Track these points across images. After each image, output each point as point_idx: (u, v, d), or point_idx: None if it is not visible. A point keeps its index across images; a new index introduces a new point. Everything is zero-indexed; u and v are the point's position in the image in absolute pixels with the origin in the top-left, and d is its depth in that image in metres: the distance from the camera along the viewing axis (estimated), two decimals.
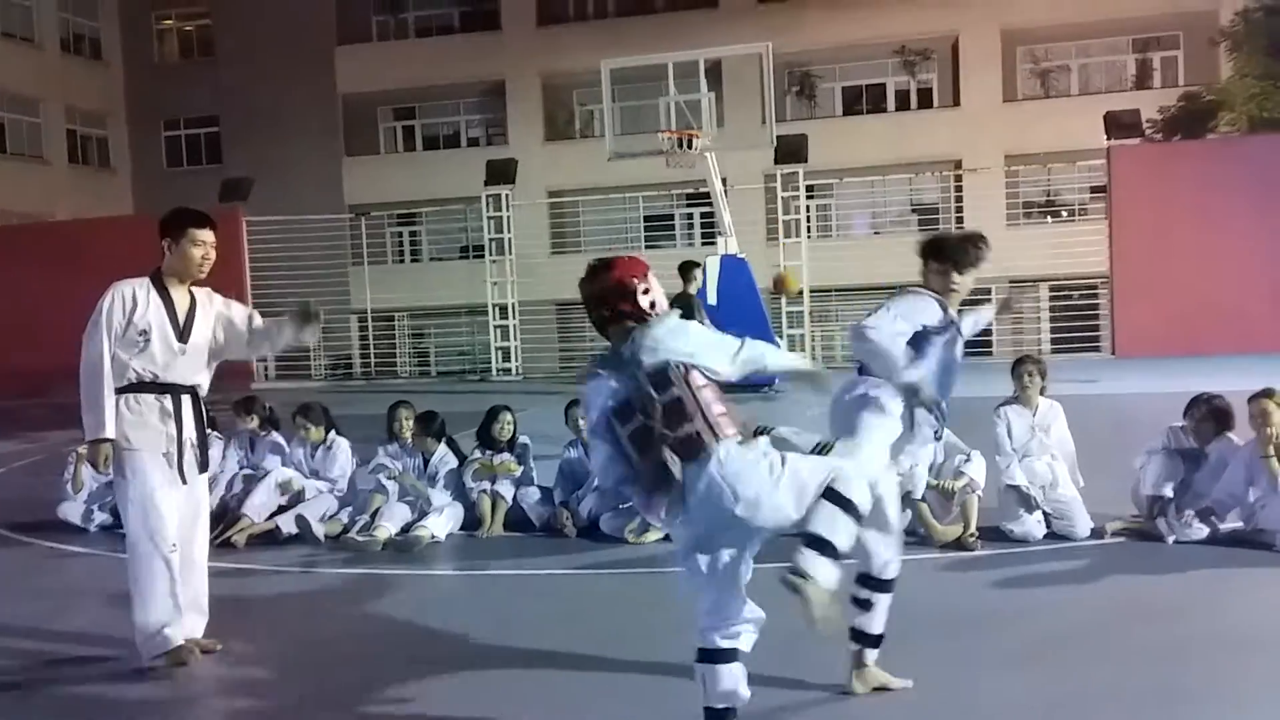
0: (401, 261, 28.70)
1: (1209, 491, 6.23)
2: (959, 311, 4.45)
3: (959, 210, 25.74)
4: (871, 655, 3.91)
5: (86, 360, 4.55)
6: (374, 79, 28.66)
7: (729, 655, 3.36)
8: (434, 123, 30.50)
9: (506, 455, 7.39)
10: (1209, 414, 6.41)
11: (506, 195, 19.53)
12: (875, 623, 3.91)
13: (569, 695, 4.22)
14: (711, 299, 15.11)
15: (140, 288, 4.63)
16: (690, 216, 25.96)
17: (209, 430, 7.75)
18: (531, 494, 7.27)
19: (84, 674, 4.68)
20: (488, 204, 19.69)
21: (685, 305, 10.50)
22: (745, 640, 3.38)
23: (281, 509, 7.23)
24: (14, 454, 11.80)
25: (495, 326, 20.01)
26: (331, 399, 9.74)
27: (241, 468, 7.64)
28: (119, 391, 4.55)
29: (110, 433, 4.50)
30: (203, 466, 4.75)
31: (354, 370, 23.45)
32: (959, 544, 6.22)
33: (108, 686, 4.52)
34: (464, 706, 4.11)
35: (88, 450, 4.69)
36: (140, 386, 4.58)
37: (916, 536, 6.38)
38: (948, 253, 4.42)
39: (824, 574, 3.21)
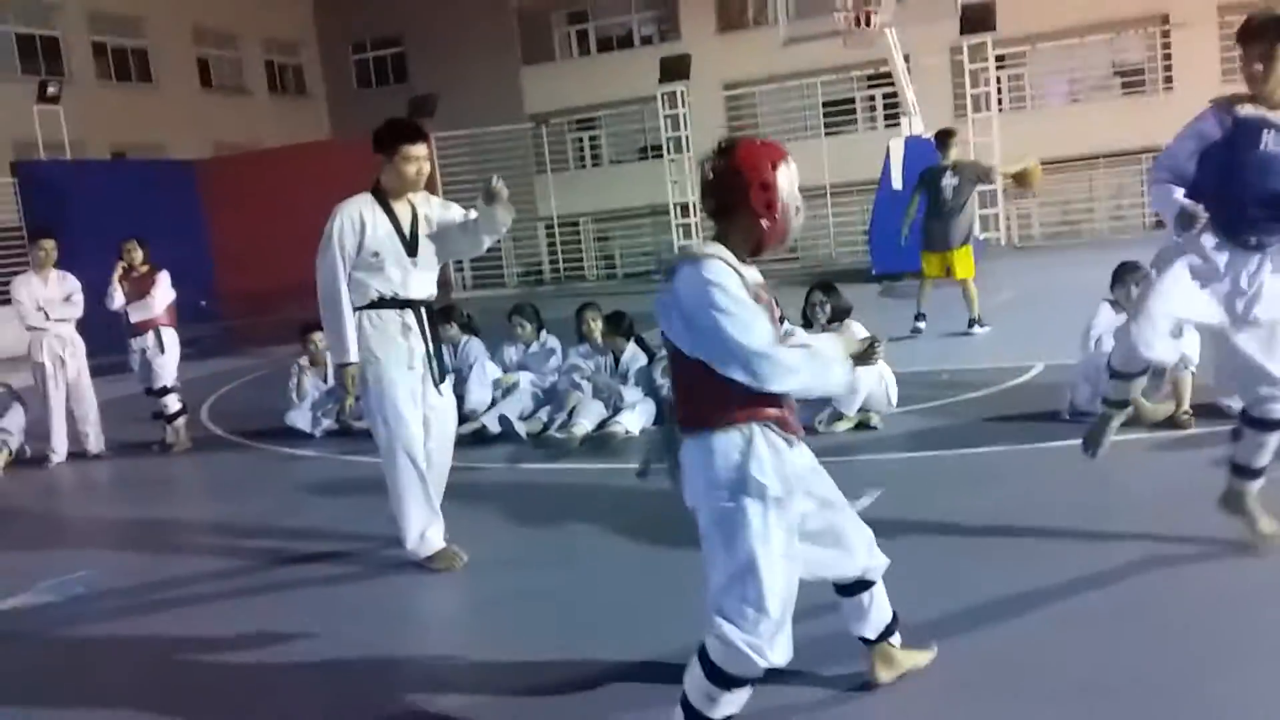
0: (583, 166, 28.99)
1: None
2: None
3: (1168, 71, 23.84)
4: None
5: (323, 285, 4.61)
6: None
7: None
8: (607, 24, 30.30)
9: None
10: None
11: (681, 92, 19.37)
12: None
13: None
14: (897, 184, 14.65)
15: (365, 206, 4.64)
16: (872, 99, 25.03)
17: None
18: None
19: (315, 571, 5.10)
20: (663, 102, 19.59)
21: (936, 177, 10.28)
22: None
23: (491, 406, 7.64)
24: (244, 369, 12.80)
25: (678, 225, 20.06)
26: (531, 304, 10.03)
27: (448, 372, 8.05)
28: (359, 309, 4.64)
29: (354, 356, 4.60)
30: (441, 375, 4.84)
31: (544, 275, 24.10)
32: (1171, 422, 5.94)
33: (341, 585, 4.92)
34: (668, 594, 4.27)
35: (335, 374, 4.76)
36: (381, 303, 4.65)
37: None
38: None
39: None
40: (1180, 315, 3.98)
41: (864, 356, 2.97)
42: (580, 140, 28.90)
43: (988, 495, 5.15)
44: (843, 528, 3.07)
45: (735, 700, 2.82)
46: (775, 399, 2.80)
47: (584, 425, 7.19)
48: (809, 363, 2.75)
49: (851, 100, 25.25)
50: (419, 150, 4.67)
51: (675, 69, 19.37)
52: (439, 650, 3.97)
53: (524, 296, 19.73)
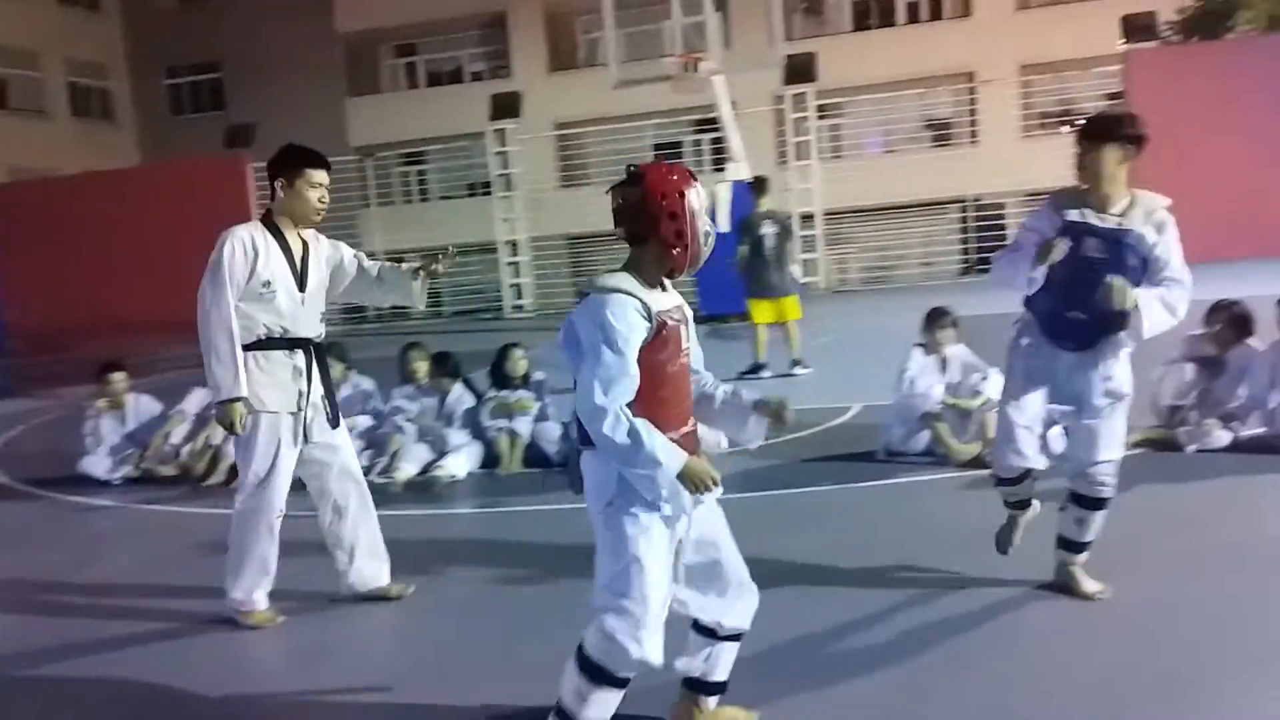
0: (410, 201, 28.54)
1: (1229, 398, 6.20)
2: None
3: (974, 124, 25.32)
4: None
5: (210, 314, 4.24)
6: (374, 16, 28.22)
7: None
8: (436, 58, 30.08)
9: (523, 392, 7.39)
10: (1229, 321, 6.34)
11: (512, 129, 19.34)
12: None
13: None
14: (724, 227, 14.97)
15: (257, 233, 4.33)
16: (699, 142, 25.63)
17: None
18: (549, 430, 7.28)
19: (110, 629, 4.72)
20: (493, 139, 19.50)
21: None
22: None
23: None
24: (34, 411, 11.91)
25: (506, 263, 19.95)
26: (347, 342, 9.71)
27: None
28: (245, 349, 4.28)
29: (244, 391, 4.25)
30: (334, 422, 4.54)
31: (367, 313, 23.49)
32: (977, 462, 6.20)
33: (150, 645, 4.58)
34: (487, 643, 4.15)
35: (218, 411, 4.32)
36: (269, 343, 4.34)
37: (934, 456, 6.39)
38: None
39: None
40: (1034, 419, 4.13)
41: (777, 419, 3.10)
42: (407, 174, 28.47)
43: (812, 534, 5.24)
44: (724, 575, 3.05)
45: (606, 701, 2.85)
46: (673, 421, 2.86)
47: (407, 469, 6.98)
48: (633, 447, 2.74)
49: (681, 143, 25.78)
50: (323, 176, 4.41)
51: (506, 106, 19.35)
52: (272, 708, 3.71)
53: (346, 334, 19.18)
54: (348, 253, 4.64)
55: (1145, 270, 3.88)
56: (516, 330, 14.36)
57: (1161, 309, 3.82)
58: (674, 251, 2.88)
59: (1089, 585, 4.12)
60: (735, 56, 18.64)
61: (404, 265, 4.65)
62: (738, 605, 3.08)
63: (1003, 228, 22.34)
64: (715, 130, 18.94)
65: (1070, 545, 4.16)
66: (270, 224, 4.40)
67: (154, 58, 30.42)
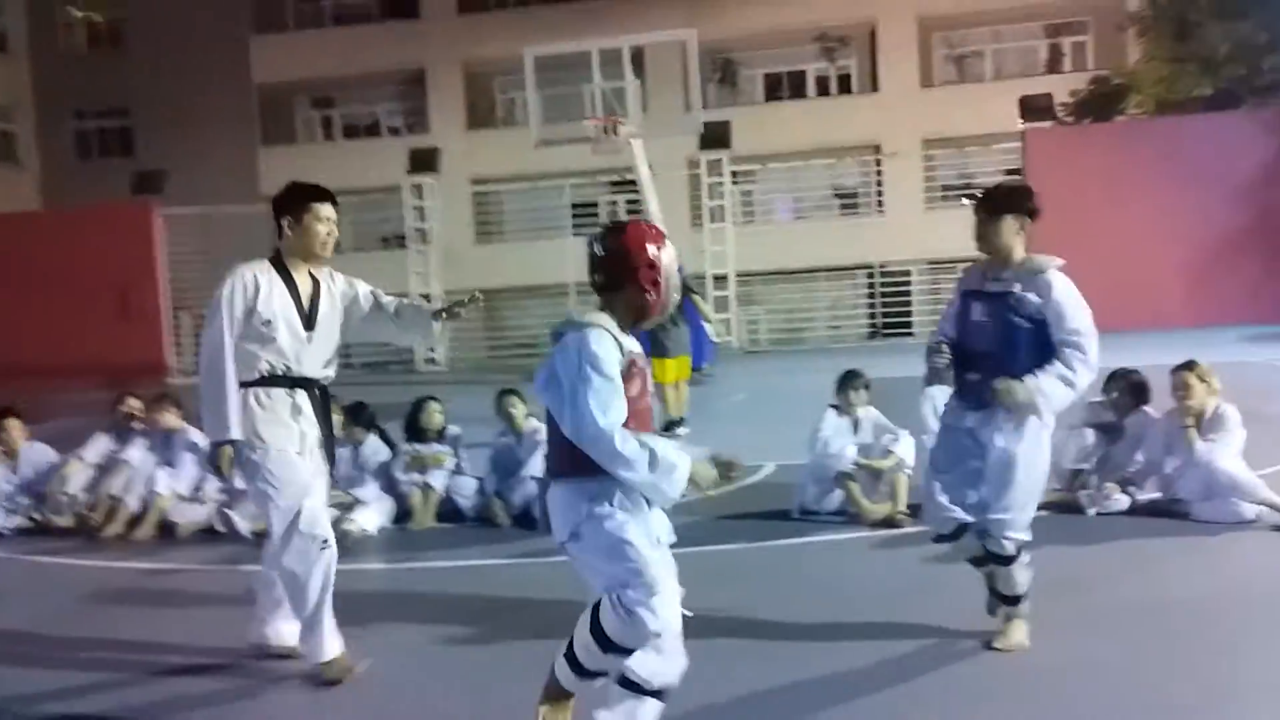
0: None
1: (1127, 463, 6.44)
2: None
3: (879, 194, 26.08)
4: None
5: (206, 353, 4.18)
6: (291, 68, 28.09)
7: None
8: (353, 111, 29.99)
9: (438, 446, 7.32)
10: (1126, 388, 6.61)
11: (429, 184, 19.32)
12: None
13: (505, 688, 4.20)
14: None
15: (261, 272, 4.24)
16: (615, 203, 25.91)
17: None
18: (463, 485, 7.22)
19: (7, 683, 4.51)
20: (410, 193, 19.45)
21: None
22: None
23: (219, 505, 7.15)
24: None
25: None
26: None
27: (158, 465, 7.46)
28: (246, 386, 4.18)
29: (236, 433, 4.13)
30: (332, 464, 4.42)
31: None
32: (888, 521, 6.32)
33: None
34: (396, 701, 4.06)
35: (210, 453, 4.22)
36: (270, 380, 4.22)
37: (847, 515, 6.49)
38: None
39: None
40: (955, 476, 4.26)
41: (724, 475, 3.30)
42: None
43: (727, 592, 5.25)
44: None
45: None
46: None
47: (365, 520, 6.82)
48: (644, 461, 3.00)
49: (597, 204, 26.02)
50: (330, 211, 4.33)
51: (423, 161, 19.35)
52: None
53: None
54: (363, 288, 4.53)
55: (1039, 328, 4.06)
56: (429, 384, 14.22)
57: (1059, 386, 4.00)
58: (648, 297, 3.17)
59: (1012, 637, 4.22)
60: (654, 122, 18.98)
61: (426, 304, 4.58)
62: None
63: (907, 294, 22.97)
64: (631, 192, 19.19)
65: (1005, 599, 4.28)
66: (278, 263, 4.31)
67: (61, 101, 29.68)
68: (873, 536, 6.16)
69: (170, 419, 7.61)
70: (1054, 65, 28.01)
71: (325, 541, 4.22)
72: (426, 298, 19.67)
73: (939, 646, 4.32)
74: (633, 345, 3.17)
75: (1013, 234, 4.13)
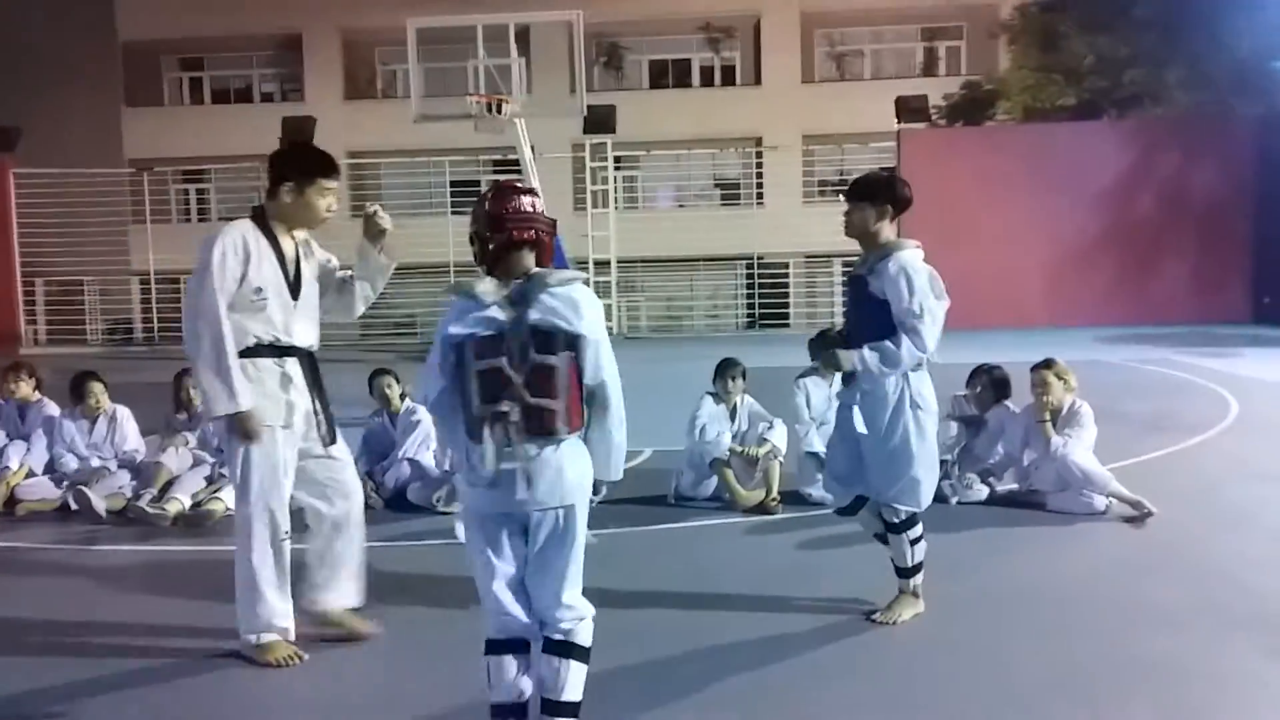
0: (188, 221, 27.12)
1: (988, 455, 6.69)
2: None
3: (759, 186, 26.49)
4: None
5: (201, 320, 3.87)
6: (159, 25, 26.90)
7: (500, 646, 3.21)
8: (224, 75, 28.93)
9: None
10: (989, 383, 6.87)
11: None
12: None
13: (381, 675, 4.13)
14: None
15: (250, 234, 3.99)
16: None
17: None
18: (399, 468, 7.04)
19: None
20: None
21: None
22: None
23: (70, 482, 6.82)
24: None
25: None
26: (110, 365, 9.12)
27: (10, 439, 7.09)
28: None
29: (247, 402, 3.88)
30: (329, 437, 4.19)
31: (134, 333, 22.09)
32: (762, 508, 6.42)
33: None
34: (266, 692, 3.95)
35: (229, 426, 3.94)
36: (258, 350, 3.99)
37: (722, 501, 6.58)
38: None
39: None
40: (844, 451, 4.48)
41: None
42: (187, 192, 27.08)
43: (603, 576, 5.23)
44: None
45: None
46: None
47: (179, 501, 6.56)
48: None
49: (478, 182, 25.69)
50: (335, 184, 4.11)
51: (297, 130, 18.74)
52: None
53: (109, 355, 17.94)
54: (335, 261, 4.34)
55: (885, 307, 4.27)
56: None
57: (875, 358, 4.23)
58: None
59: (894, 610, 4.45)
60: (538, 102, 18.83)
61: (353, 267, 4.31)
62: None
63: (785, 285, 23.40)
64: (513, 172, 19.01)
65: (900, 571, 4.52)
66: (263, 225, 4.05)
67: None
68: (748, 522, 6.26)
69: (24, 390, 7.23)
70: (929, 68, 28.91)
71: (286, 534, 4.11)
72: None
73: (812, 626, 4.43)
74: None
75: (872, 221, 4.34)
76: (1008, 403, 6.83)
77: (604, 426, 3.25)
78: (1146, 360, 13.79)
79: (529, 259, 3.21)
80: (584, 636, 3.19)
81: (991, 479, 6.61)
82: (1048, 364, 6.53)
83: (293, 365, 4.11)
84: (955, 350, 11.45)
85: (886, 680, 3.93)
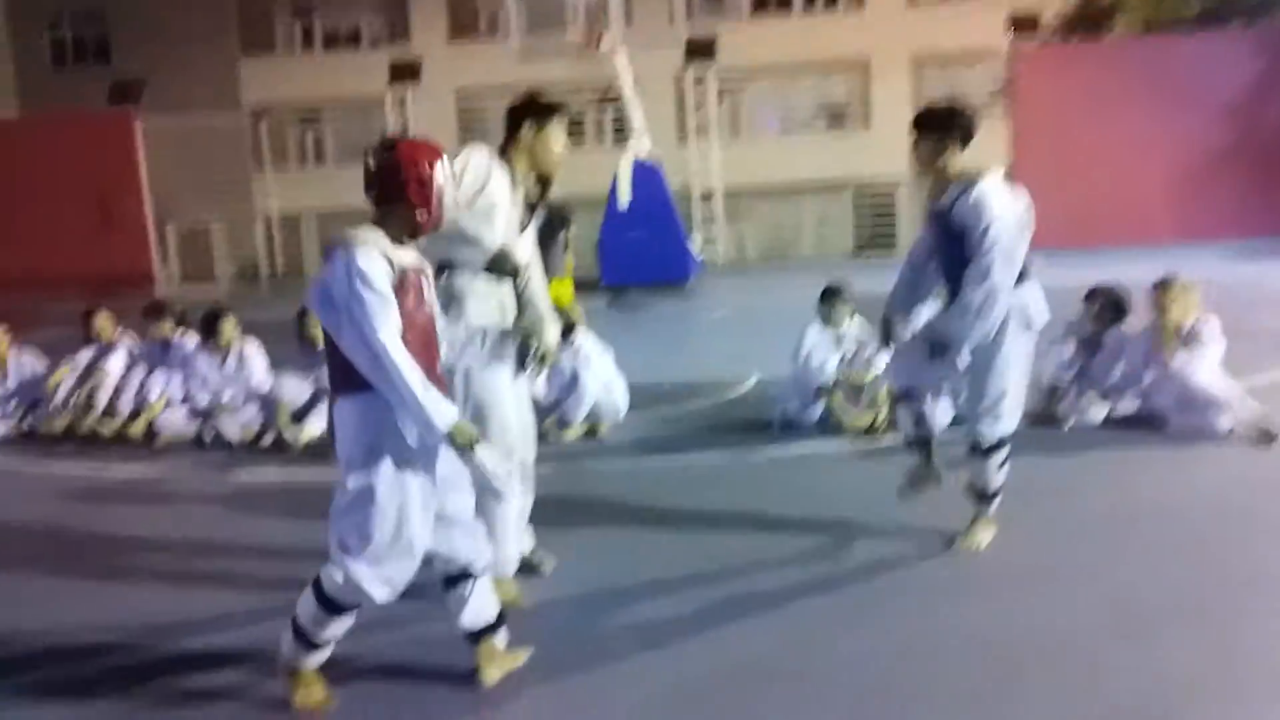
0: (306, 164, 27.84)
1: (1106, 377, 6.53)
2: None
3: (866, 110, 25.85)
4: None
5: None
6: None
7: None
8: (333, 21, 29.32)
9: None
10: (1106, 304, 6.68)
11: (412, 95, 19.04)
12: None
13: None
14: (623, 201, 15.07)
15: (494, 162, 3.94)
16: (601, 117, 25.62)
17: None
18: None
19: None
20: (392, 103, 19.18)
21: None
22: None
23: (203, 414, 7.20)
24: None
25: None
26: (238, 303, 9.51)
27: (151, 372, 7.51)
28: (456, 273, 3.90)
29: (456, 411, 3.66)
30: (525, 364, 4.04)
31: (260, 273, 22.92)
32: (870, 433, 6.42)
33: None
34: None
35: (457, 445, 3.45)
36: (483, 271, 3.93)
37: (829, 427, 6.59)
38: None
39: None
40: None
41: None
42: (303, 136, 27.75)
43: (709, 500, 5.37)
44: (462, 512, 3.32)
45: (339, 626, 3.21)
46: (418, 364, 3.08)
47: (307, 430, 6.88)
48: (417, 381, 3.02)
49: (582, 118, 25.70)
50: (564, 124, 4.12)
51: (405, 71, 19.05)
52: None
53: (238, 294, 18.67)
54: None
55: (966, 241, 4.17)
56: None
57: (967, 323, 4.15)
58: (418, 214, 3.19)
59: (974, 536, 4.44)
60: (637, 34, 18.67)
61: None
62: (475, 539, 3.35)
63: (892, 210, 22.94)
64: (617, 105, 18.98)
65: (973, 493, 4.50)
66: (505, 157, 4.03)
67: (36, 6, 28.91)
68: (854, 448, 6.26)
69: (165, 329, 7.62)
70: None
71: (522, 463, 4.07)
72: None
73: (918, 549, 4.44)
74: (408, 259, 3.19)
75: (940, 153, 4.23)
76: (1127, 322, 6.65)
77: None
78: (1276, 274, 13.16)
79: None
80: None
81: (1109, 401, 6.46)
82: (1169, 280, 6.32)
83: (508, 292, 4.03)
84: (1074, 270, 11.15)
85: (994, 602, 3.94)
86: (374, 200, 3.23)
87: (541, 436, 6.66)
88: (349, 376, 3.09)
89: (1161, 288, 6.31)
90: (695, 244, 15.41)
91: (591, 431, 6.86)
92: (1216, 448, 5.84)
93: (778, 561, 4.39)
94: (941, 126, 4.24)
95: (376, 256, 3.08)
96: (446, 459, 3.20)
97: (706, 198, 18.86)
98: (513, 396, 4.03)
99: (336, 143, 27.60)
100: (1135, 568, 4.19)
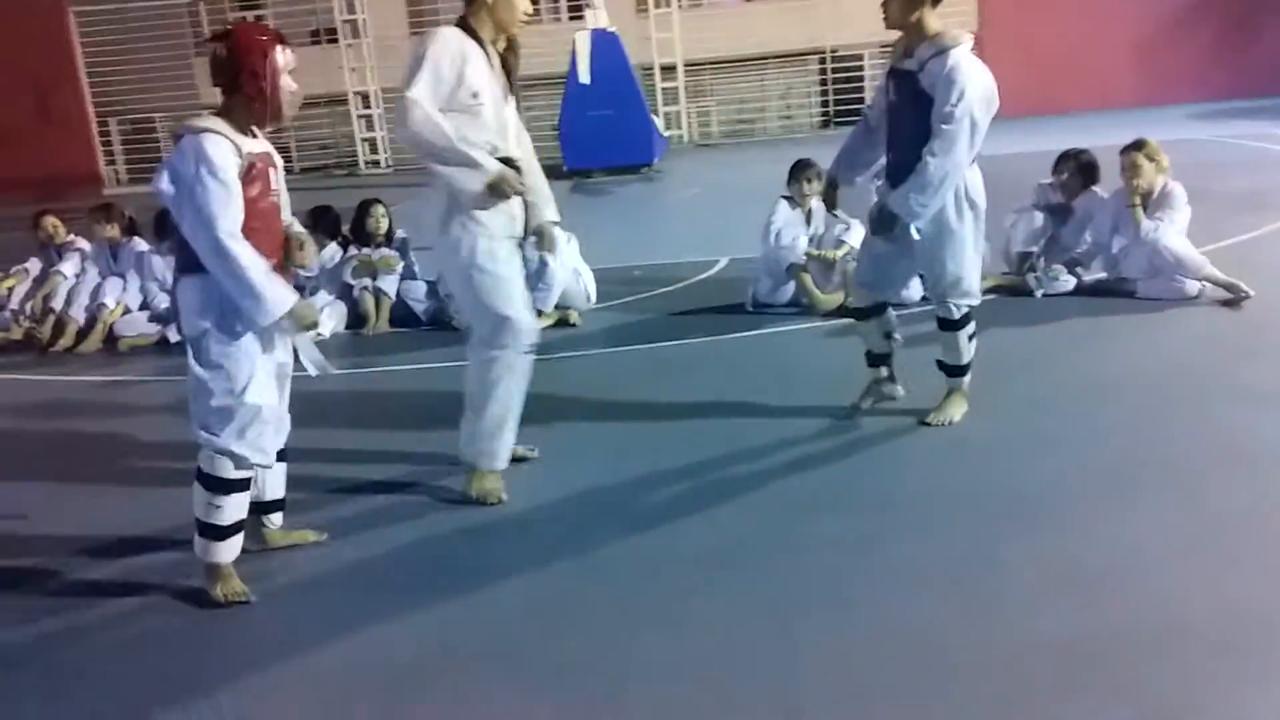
0: None
1: (1075, 245, 6.50)
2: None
3: None
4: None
5: (424, 122, 3.66)
6: None
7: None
8: None
9: (386, 250, 7.21)
10: (1076, 169, 6.61)
11: None
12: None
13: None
14: (584, 78, 14.65)
15: (461, 38, 3.78)
16: None
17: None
18: (416, 288, 7.16)
19: None
20: None
21: None
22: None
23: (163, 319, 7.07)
24: None
25: (358, 116, 19.17)
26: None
27: (104, 277, 7.33)
28: None
29: (494, 165, 3.73)
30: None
31: None
32: (841, 311, 6.39)
33: None
34: (358, 502, 4.14)
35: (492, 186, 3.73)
36: None
37: (800, 306, 6.55)
38: None
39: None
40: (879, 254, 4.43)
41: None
42: (245, 20, 26.69)
43: (683, 384, 5.36)
44: (283, 398, 3.47)
45: (232, 506, 3.30)
46: (263, 252, 3.17)
47: None
48: (256, 269, 3.10)
49: None
50: None
51: None
52: None
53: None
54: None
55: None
56: (374, 187, 13.91)
57: (923, 201, 4.04)
58: (255, 104, 3.23)
59: (946, 410, 4.45)
60: None
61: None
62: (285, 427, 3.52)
63: (860, 79, 22.50)
64: None
65: (944, 368, 4.50)
66: (468, 29, 3.84)
67: None
68: (826, 326, 6.24)
69: (113, 231, 7.42)
70: None
71: (529, 349, 4.01)
72: (364, 97, 19.01)
73: (891, 426, 4.47)
74: (255, 146, 3.25)
75: (911, 9, 4.05)
76: (1096, 188, 6.59)
77: None
78: (1243, 135, 13.12)
79: None
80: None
81: (1079, 269, 6.45)
82: (1137, 145, 6.24)
83: (516, 203, 3.94)
84: (1039, 136, 11.06)
85: (971, 472, 3.97)
86: (221, 89, 3.26)
87: None
88: (191, 258, 3.17)
89: (1132, 151, 6.23)
90: (660, 122, 15.07)
91: (562, 321, 6.78)
92: (1185, 311, 5.86)
93: (752, 441, 4.40)
94: None
95: (223, 144, 3.14)
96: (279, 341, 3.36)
97: (668, 72, 18.42)
98: (520, 277, 3.97)
99: (281, 26, 26.61)
100: (1109, 434, 4.23)
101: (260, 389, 3.26)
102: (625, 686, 2.75)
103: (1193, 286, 6.00)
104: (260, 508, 3.60)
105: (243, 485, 3.32)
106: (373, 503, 4.11)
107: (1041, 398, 4.69)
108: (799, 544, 3.49)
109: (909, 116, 4.13)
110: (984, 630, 2.86)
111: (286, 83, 3.26)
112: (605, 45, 14.86)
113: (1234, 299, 5.87)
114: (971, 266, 4.32)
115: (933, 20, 4.08)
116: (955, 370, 4.48)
